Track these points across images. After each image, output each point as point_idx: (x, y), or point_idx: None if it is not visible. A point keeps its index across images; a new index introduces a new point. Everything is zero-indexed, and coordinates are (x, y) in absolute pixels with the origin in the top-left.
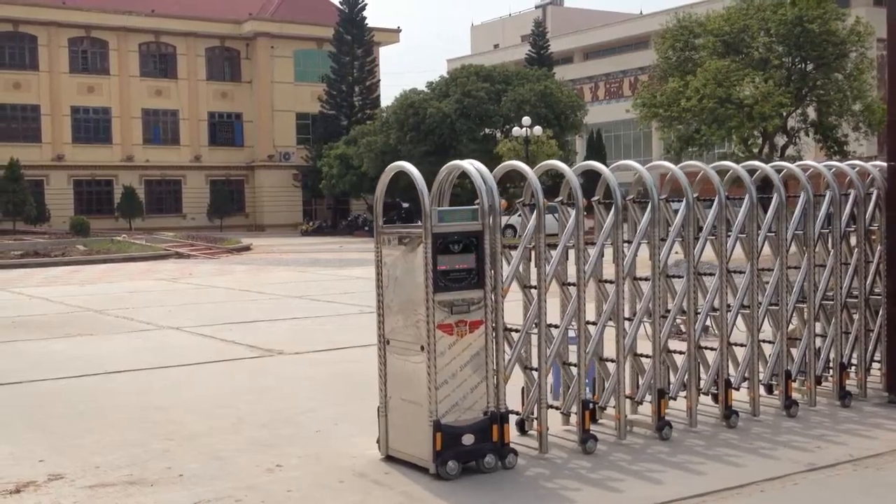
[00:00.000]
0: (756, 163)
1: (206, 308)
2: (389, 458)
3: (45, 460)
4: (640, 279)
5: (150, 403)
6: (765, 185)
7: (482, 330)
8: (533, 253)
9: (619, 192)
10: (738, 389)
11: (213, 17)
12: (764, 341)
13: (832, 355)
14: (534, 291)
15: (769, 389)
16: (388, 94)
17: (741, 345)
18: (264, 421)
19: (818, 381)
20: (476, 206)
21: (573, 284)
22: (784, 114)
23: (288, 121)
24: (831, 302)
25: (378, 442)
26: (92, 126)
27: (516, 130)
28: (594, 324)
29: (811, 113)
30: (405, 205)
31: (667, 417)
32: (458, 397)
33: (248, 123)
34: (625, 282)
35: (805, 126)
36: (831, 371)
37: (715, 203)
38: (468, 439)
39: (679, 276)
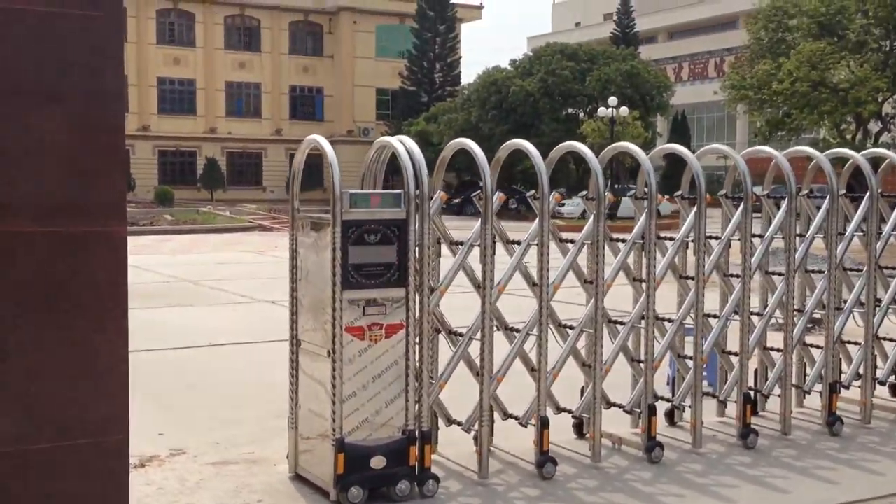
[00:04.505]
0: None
1: None
2: (298, 478)
3: (165, 434)
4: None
5: (259, 378)
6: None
7: (402, 335)
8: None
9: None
10: None
11: None
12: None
13: None
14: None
15: None
16: (468, 73)
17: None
18: None
19: None
20: (400, 192)
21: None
22: (880, 99)
23: (368, 96)
24: None
25: (287, 457)
26: (177, 97)
27: (602, 111)
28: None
29: None
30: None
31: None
32: (370, 412)
33: (329, 98)
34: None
35: None
36: None
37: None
38: (378, 462)
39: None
